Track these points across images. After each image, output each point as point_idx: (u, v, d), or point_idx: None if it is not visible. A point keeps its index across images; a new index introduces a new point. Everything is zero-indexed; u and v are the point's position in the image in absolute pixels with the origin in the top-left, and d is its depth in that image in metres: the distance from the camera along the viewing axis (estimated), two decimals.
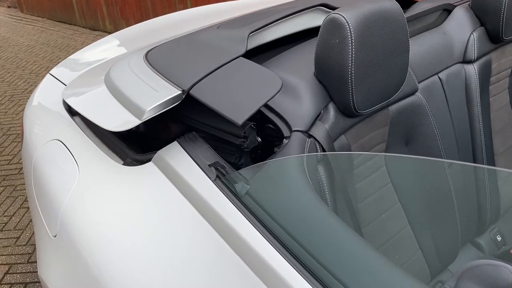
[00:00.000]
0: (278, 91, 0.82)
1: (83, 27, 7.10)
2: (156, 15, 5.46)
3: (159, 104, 0.87)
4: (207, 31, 1.17)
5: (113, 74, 1.08)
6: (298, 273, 0.66)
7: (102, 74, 1.24)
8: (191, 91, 0.88)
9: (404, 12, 0.94)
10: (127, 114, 0.91)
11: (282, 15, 1.14)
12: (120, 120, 0.92)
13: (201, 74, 0.90)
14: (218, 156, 0.86)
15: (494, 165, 1.41)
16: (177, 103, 0.89)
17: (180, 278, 0.74)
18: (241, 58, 0.95)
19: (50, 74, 1.48)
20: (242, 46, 0.99)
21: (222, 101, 0.83)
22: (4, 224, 2.40)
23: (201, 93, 0.86)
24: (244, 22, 1.15)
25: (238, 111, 0.79)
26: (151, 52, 1.12)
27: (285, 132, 0.87)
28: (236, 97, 0.83)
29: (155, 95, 0.90)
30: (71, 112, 1.20)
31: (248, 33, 1.03)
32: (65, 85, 1.34)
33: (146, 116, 0.86)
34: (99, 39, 1.75)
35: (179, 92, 0.88)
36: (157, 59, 1.05)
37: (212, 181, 0.81)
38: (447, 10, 1.37)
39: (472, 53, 1.30)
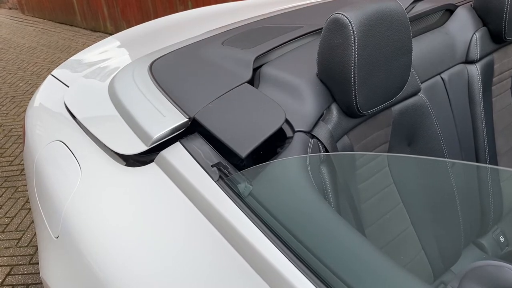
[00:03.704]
0: (282, 124, 0.84)
1: (84, 28, 7.12)
2: (157, 16, 5.47)
3: (166, 131, 0.89)
4: (212, 46, 1.17)
5: (117, 86, 1.08)
6: (302, 273, 0.66)
7: (104, 77, 1.24)
8: (196, 116, 0.90)
9: (407, 12, 0.93)
10: (134, 137, 0.94)
11: (288, 38, 1.15)
12: (127, 143, 0.94)
13: (207, 100, 0.93)
14: (221, 157, 0.86)
15: (496, 165, 1.41)
16: (182, 129, 0.92)
17: (183, 278, 0.74)
18: (246, 84, 0.96)
19: (52, 75, 1.48)
20: (248, 72, 1.00)
21: (227, 130, 0.85)
22: (5, 226, 2.40)
23: (206, 120, 0.88)
24: (249, 41, 1.16)
25: (242, 143, 0.81)
26: (155, 64, 1.12)
27: (288, 132, 0.87)
28: (240, 128, 0.84)
29: (162, 120, 0.92)
30: (73, 113, 1.20)
31: (253, 58, 1.04)
32: (67, 86, 1.34)
33: (153, 143, 0.89)
34: (100, 40, 1.75)
35: (186, 119, 0.91)
36: (162, 74, 1.07)
37: (215, 181, 0.81)
38: (449, 10, 1.37)
39: (475, 53, 1.30)
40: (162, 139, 0.90)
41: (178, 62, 1.12)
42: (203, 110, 0.90)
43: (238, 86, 0.95)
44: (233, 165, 0.85)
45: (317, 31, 1.21)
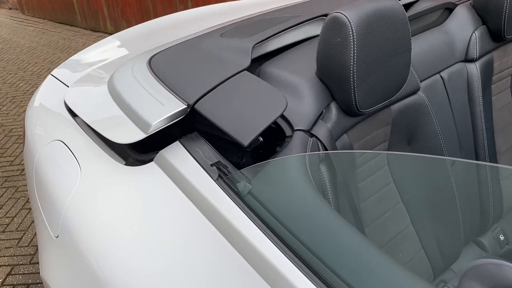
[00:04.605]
0: (284, 111, 0.83)
1: (84, 28, 7.11)
2: (156, 15, 5.46)
3: (164, 118, 0.88)
4: (211, 38, 1.17)
5: (116, 81, 1.08)
6: (301, 272, 0.66)
7: (104, 76, 1.24)
8: (196, 106, 0.89)
9: (406, 11, 0.93)
10: (132, 127, 0.93)
11: (286, 26, 1.15)
12: (125, 132, 0.93)
13: (206, 88, 0.91)
14: (220, 156, 0.86)
15: (496, 164, 1.41)
16: (182, 117, 0.90)
17: (182, 277, 0.74)
18: (245, 72, 0.95)
19: (52, 75, 1.48)
20: (247, 59, 0.99)
21: (228, 119, 0.83)
22: (6, 225, 2.40)
23: (206, 109, 0.87)
24: (248, 31, 1.15)
25: (244, 131, 0.79)
26: (154, 58, 1.12)
27: (287, 131, 0.87)
28: (241, 115, 0.83)
29: (161, 108, 0.91)
30: (73, 113, 1.20)
31: (252, 45, 1.03)
32: (67, 86, 1.34)
33: (152, 130, 0.88)
34: (100, 40, 1.75)
35: (184, 106, 0.89)
36: (161, 67, 1.06)
37: (214, 180, 0.81)
38: (449, 9, 1.36)
39: (474, 51, 1.30)
40: (161, 126, 0.88)
41: (177, 55, 1.12)
42: (202, 100, 0.89)
43: (236, 73, 0.94)
44: (233, 164, 0.85)
45: (316, 18, 1.21)
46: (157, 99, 0.94)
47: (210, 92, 0.90)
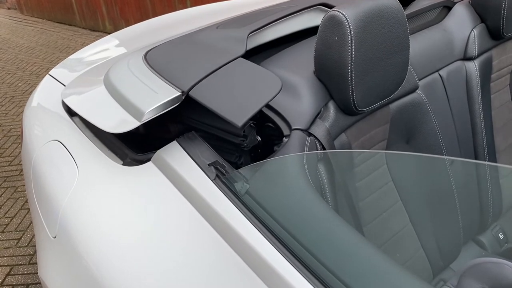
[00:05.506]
0: (278, 92, 0.82)
1: (83, 28, 7.10)
2: (155, 15, 5.45)
3: (158, 106, 0.87)
4: (206, 31, 1.17)
5: (112, 74, 1.08)
6: (299, 272, 0.66)
7: (102, 74, 1.23)
8: (190, 93, 0.87)
9: (404, 9, 0.93)
10: (127, 116, 0.91)
11: (282, 14, 1.14)
12: (119, 122, 0.92)
13: (201, 75, 0.90)
14: (218, 155, 0.86)
15: (495, 162, 1.40)
16: (176, 105, 0.89)
17: (179, 277, 0.74)
18: (240, 58, 0.95)
19: (49, 75, 1.48)
20: (242, 47, 0.99)
21: (222, 103, 0.82)
22: (5, 226, 2.40)
23: (201, 95, 0.86)
24: (243, 22, 1.15)
25: (238, 113, 0.78)
26: (150, 52, 1.12)
27: (285, 130, 0.87)
28: (236, 98, 0.83)
29: (155, 96, 0.89)
30: (70, 112, 1.20)
31: (247, 33, 1.03)
32: (64, 85, 1.33)
33: (146, 118, 0.86)
34: (99, 39, 1.74)
35: (179, 93, 0.88)
36: (156, 59, 1.06)
37: (212, 180, 0.80)
38: (447, 7, 1.36)
39: (473, 50, 1.29)
40: (155, 114, 0.87)
41: (173, 48, 1.11)
42: (197, 86, 0.88)
43: (231, 61, 0.94)
44: (230, 163, 0.84)
45: (312, 7, 1.20)
46: (151, 88, 0.93)
47: (205, 79, 0.89)
